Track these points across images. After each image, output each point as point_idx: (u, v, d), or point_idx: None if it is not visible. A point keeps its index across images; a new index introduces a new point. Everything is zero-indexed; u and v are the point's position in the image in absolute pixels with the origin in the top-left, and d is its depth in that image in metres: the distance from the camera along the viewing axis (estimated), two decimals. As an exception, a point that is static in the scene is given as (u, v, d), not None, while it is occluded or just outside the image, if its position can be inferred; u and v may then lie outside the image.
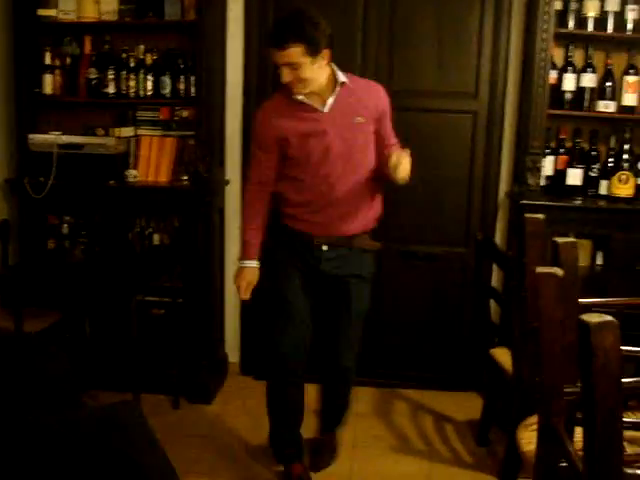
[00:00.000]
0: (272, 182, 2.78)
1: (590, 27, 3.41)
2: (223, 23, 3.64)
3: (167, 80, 3.58)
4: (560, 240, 1.97)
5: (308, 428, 3.11)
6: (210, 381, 3.68)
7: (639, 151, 3.56)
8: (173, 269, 3.57)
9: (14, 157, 3.67)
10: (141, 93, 3.61)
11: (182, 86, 3.58)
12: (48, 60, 3.61)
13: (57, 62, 3.66)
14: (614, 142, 3.55)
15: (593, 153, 3.56)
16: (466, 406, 3.62)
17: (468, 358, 3.79)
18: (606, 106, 3.47)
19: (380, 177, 2.75)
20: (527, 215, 2.51)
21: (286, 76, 2.55)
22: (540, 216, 2.47)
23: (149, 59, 3.60)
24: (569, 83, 3.48)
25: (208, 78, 3.49)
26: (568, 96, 3.49)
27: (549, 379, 1.81)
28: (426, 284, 3.78)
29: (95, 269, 3.54)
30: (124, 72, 3.59)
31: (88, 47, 3.66)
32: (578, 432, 1.87)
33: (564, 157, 3.55)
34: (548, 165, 3.54)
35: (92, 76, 3.60)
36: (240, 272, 2.84)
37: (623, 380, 1.37)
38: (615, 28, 3.41)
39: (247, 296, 2.84)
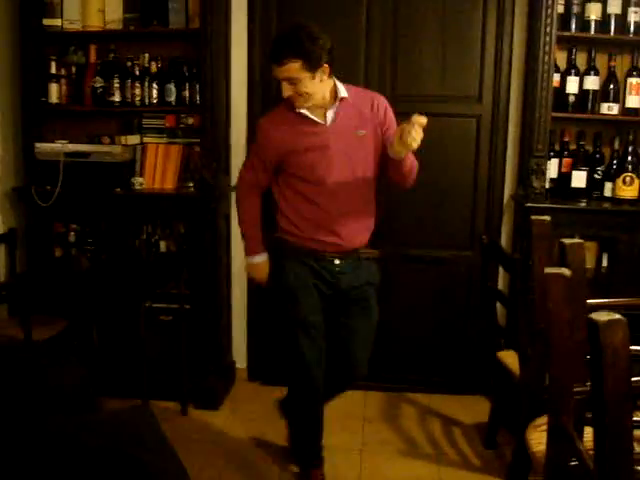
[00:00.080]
0: (265, 186, 2.83)
1: (592, 30, 3.43)
2: (227, 31, 3.66)
3: (172, 88, 3.60)
4: (567, 241, 1.98)
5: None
6: (218, 387, 3.68)
7: (643, 153, 3.57)
8: (180, 276, 3.57)
9: (21, 166, 3.69)
10: (146, 101, 3.63)
11: (187, 94, 3.60)
12: (54, 69, 3.63)
13: (63, 71, 3.68)
14: (618, 144, 3.56)
15: (597, 155, 3.57)
16: (474, 409, 3.62)
17: (475, 361, 3.79)
18: (609, 108, 3.48)
19: (389, 177, 2.75)
20: (533, 217, 2.52)
21: (286, 91, 2.58)
22: (546, 218, 2.48)
23: (154, 67, 3.62)
24: (572, 86, 3.49)
25: (213, 85, 3.51)
26: (572, 99, 3.50)
27: (558, 378, 1.82)
28: (432, 288, 3.78)
29: (102, 276, 3.55)
30: (129, 80, 3.62)
31: (93, 56, 3.69)
32: (588, 432, 1.87)
33: (568, 160, 3.56)
34: (552, 168, 3.55)
35: (97, 85, 3.62)
36: (252, 268, 2.90)
37: (632, 379, 1.37)
38: (617, 31, 3.43)
39: (265, 285, 2.92)
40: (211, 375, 3.64)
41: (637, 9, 3.41)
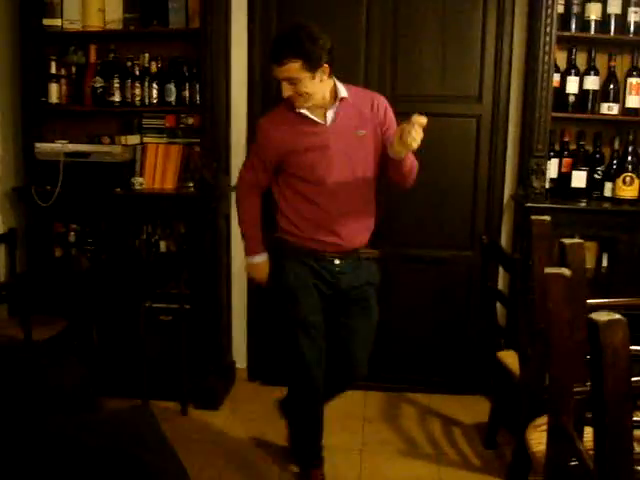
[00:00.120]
0: (265, 186, 2.83)
1: (592, 30, 3.43)
2: (227, 31, 3.66)
3: (172, 88, 3.60)
4: (567, 241, 1.98)
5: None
6: (218, 387, 3.68)
7: (643, 153, 3.57)
8: (180, 276, 3.58)
9: (21, 166, 3.70)
10: (146, 101, 3.63)
11: (187, 94, 3.60)
12: (54, 69, 3.63)
13: (63, 71, 3.68)
14: (618, 144, 3.56)
15: (597, 155, 3.57)
16: (474, 409, 3.62)
17: (475, 361, 3.80)
18: (609, 108, 3.48)
19: (389, 177, 2.75)
20: (533, 217, 2.52)
21: (286, 91, 2.58)
22: (546, 218, 2.48)
23: (154, 67, 3.62)
24: (572, 86, 3.49)
25: (213, 85, 3.51)
26: (572, 99, 3.50)
27: (558, 378, 1.82)
28: (432, 288, 3.79)
29: (102, 276, 3.56)
30: (129, 80, 3.62)
31: (93, 56, 3.69)
32: (587, 432, 1.88)
33: (568, 160, 3.56)
34: (552, 168, 3.55)
35: (97, 85, 3.62)
36: (253, 268, 2.90)
37: (632, 379, 1.38)
38: (617, 31, 3.43)
39: (265, 285, 2.93)
40: (211, 375, 3.64)
41: (637, 9, 3.41)
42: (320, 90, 2.61)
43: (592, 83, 3.48)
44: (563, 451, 1.85)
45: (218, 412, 3.61)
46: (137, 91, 3.61)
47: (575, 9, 3.43)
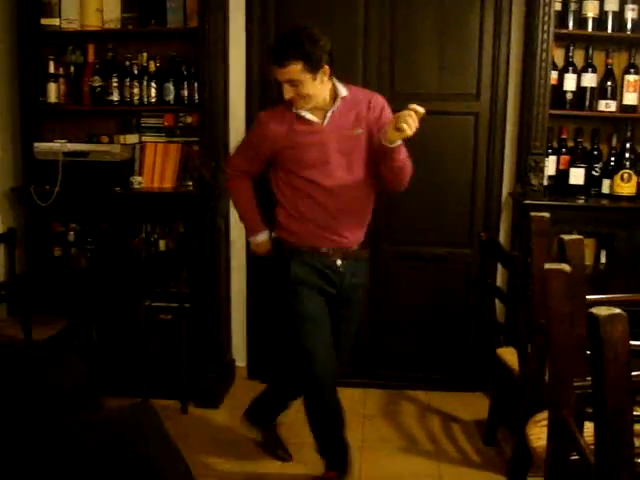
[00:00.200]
0: (254, 173, 2.89)
1: (590, 27, 3.44)
2: (225, 30, 3.66)
3: (170, 87, 3.60)
4: (566, 237, 1.99)
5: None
6: (217, 386, 3.69)
7: (641, 150, 3.58)
8: (179, 274, 3.58)
9: (20, 165, 3.69)
10: (145, 100, 3.63)
11: (185, 93, 3.60)
12: (52, 69, 3.63)
13: (61, 71, 3.68)
14: (616, 141, 3.57)
15: (595, 152, 3.58)
16: (473, 406, 3.63)
17: (474, 358, 3.80)
18: (607, 105, 3.49)
19: (382, 177, 2.74)
20: (532, 213, 2.53)
21: (287, 93, 2.59)
22: (545, 215, 2.49)
23: (152, 66, 3.63)
24: (570, 83, 3.50)
25: (211, 84, 3.52)
26: (569, 96, 3.51)
27: (559, 373, 1.83)
28: (431, 285, 3.79)
29: (102, 276, 3.56)
30: (128, 79, 3.62)
31: (92, 55, 3.69)
32: (588, 427, 1.88)
33: (566, 157, 3.57)
34: (550, 165, 3.56)
35: (96, 84, 3.63)
36: (256, 247, 2.97)
37: (632, 373, 1.38)
38: (615, 28, 3.44)
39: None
40: (211, 373, 3.65)
41: (634, 6, 3.42)
42: (321, 92, 2.62)
43: (590, 80, 3.49)
44: (564, 446, 1.86)
45: (218, 410, 3.61)
46: (135, 90, 3.61)
47: (572, 6, 3.44)
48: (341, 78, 2.74)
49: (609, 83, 3.49)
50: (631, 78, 3.47)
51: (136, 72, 3.62)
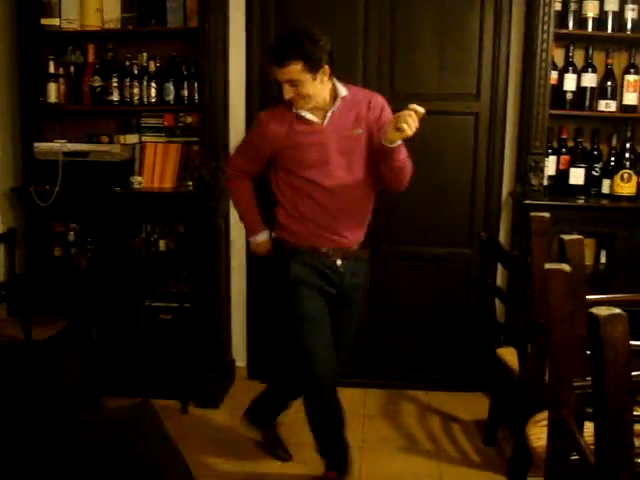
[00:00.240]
0: (254, 173, 2.89)
1: (590, 27, 3.44)
2: (225, 30, 3.66)
3: (170, 87, 3.60)
4: (567, 237, 1.99)
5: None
6: (217, 386, 3.69)
7: (641, 149, 3.58)
8: (179, 274, 3.58)
9: (20, 165, 3.70)
10: (145, 100, 3.63)
11: (185, 93, 3.60)
12: (52, 69, 3.63)
13: (61, 71, 3.68)
14: (616, 141, 3.58)
15: (595, 152, 3.58)
16: (473, 406, 3.63)
17: (474, 358, 3.80)
18: (607, 105, 3.49)
19: (382, 177, 2.74)
20: (532, 213, 2.53)
21: (287, 93, 2.60)
22: (545, 215, 2.49)
23: (152, 66, 3.63)
24: (570, 83, 3.50)
25: (211, 84, 3.51)
26: (569, 96, 3.51)
27: (559, 372, 1.83)
28: (431, 285, 3.79)
29: (101, 276, 3.56)
30: (128, 79, 3.62)
31: (92, 55, 3.69)
32: (588, 427, 1.88)
33: (566, 157, 3.57)
34: (550, 165, 3.56)
35: (96, 84, 3.63)
36: (257, 247, 2.97)
37: (632, 373, 1.38)
38: (615, 28, 3.44)
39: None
40: (211, 373, 3.65)
41: (634, 6, 3.42)
42: (321, 92, 2.62)
43: (590, 80, 3.50)
44: (564, 446, 1.86)
45: (218, 410, 3.61)
46: (135, 90, 3.61)
47: (572, 6, 3.44)
48: (341, 78, 2.74)
49: (609, 83, 3.49)
50: (631, 78, 3.47)
51: (136, 72, 3.62)
